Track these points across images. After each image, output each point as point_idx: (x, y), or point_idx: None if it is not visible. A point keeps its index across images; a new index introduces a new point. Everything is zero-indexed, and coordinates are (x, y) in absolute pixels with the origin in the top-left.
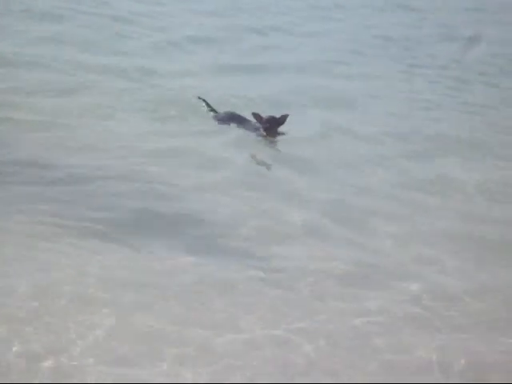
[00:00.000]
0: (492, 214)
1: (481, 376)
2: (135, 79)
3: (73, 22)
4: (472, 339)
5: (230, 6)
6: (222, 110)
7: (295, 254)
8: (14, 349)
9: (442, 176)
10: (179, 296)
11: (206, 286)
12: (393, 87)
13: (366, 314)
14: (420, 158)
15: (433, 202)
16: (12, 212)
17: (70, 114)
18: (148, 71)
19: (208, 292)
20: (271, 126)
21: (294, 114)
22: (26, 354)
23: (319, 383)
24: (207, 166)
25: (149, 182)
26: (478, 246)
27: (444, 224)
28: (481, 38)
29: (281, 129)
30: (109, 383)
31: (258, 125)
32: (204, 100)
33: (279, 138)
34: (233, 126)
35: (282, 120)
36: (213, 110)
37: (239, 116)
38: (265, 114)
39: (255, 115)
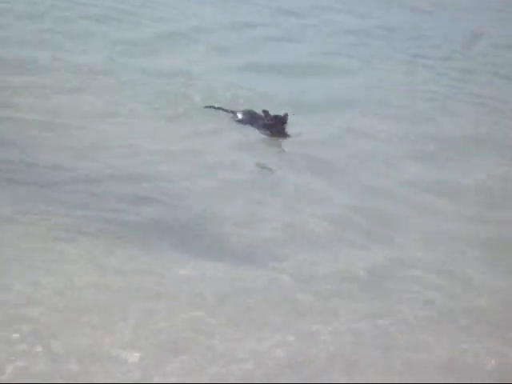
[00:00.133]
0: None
1: (507, 376)
2: (140, 75)
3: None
4: (491, 340)
5: None
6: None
7: (317, 256)
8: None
9: (453, 177)
10: (199, 301)
11: (229, 289)
12: (397, 79)
13: (389, 314)
14: (428, 159)
15: (442, 204)
16: (21, 212)
17: (73, 114)
18: (152, 68)
19: (231, 295)
20: (275, 124)
21: (302, 114)
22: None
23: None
24: (218, 166)
25: (159, 182)
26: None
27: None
28: (483, 32)
29: (289, 129)
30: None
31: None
32: (212, 106)
33: (293, 139)
34: (247, 124)
35: (284, 119)
36: (226, 110)
37: (256, 113)
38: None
39: (265, 112)
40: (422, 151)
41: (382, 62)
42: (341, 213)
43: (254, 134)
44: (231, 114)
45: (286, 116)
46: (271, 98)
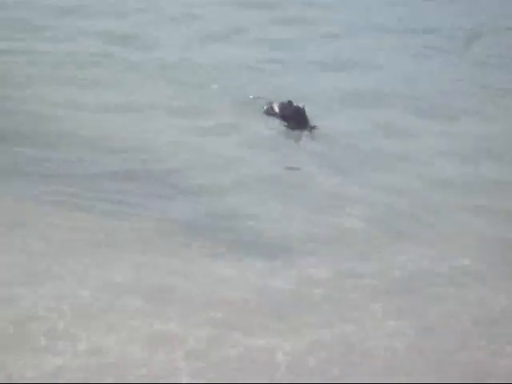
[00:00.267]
0: None
1: None
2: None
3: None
4: None
5: None
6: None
7: (346, 257)
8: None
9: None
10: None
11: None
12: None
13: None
14: (465, 157)
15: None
16: (50, 203)
17: (86, 107)
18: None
19: (264, 298)
20: (289, 115)
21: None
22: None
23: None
24: (237, 161)
25: (179, 177)
26: None
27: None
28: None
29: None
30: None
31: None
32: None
33: (317, 131)
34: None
35: (301, 111)
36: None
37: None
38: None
39: (282, 104)
40: (457, 149)
41: (404, 56)
42: (374, 212)
43: (272, 126)
44: (265, 106)
45: (303, 108)
46: (294, 91)
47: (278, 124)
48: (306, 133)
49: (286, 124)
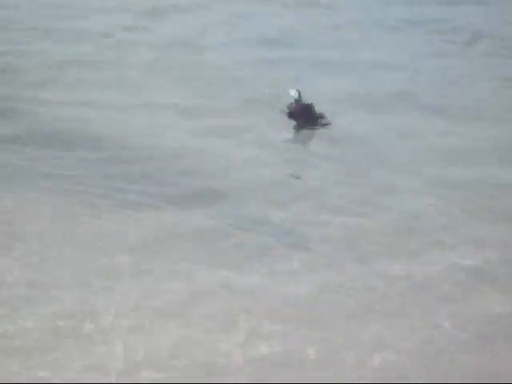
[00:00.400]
0: None
1: None
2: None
3: None
4: None
5: None
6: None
7: (373, 261)
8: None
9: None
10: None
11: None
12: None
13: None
14: (488, 159)
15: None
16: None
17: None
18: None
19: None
20: (297, 113)
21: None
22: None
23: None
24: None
25: (192, 179)
26: None
27: None
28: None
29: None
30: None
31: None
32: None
33: (325, 130)
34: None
35: (310, 108)
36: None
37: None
38: None
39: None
40: (477, 150)
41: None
42: (385, 214)
43: (283, 127)
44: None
45: (311, 105)
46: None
47: (289, 124)
48: (316, 132)
49: (294, 123)
